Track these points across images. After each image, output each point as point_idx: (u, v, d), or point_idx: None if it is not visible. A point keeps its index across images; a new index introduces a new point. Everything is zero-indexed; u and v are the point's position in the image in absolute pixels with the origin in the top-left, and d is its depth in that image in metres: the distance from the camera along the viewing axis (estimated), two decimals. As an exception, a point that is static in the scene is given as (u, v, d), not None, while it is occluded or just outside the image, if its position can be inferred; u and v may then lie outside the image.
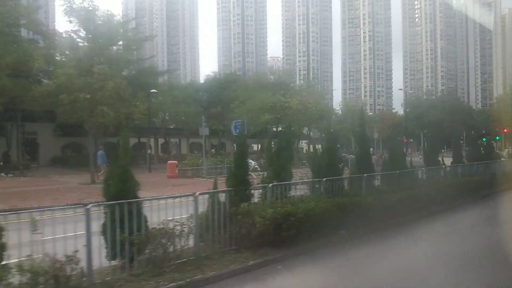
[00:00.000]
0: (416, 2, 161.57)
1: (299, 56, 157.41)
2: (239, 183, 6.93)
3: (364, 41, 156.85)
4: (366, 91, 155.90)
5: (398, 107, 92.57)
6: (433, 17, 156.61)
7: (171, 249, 5.62)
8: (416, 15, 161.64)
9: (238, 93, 34.33)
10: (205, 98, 33.81)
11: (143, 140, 36.44)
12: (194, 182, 18.78)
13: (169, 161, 23.84)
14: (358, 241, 7.66)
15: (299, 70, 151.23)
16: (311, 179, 8.95)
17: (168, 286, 5.04)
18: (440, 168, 12.78)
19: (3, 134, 28.02)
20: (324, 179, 8.26)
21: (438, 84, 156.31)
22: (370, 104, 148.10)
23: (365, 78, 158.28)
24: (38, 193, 15.35)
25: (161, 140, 39.35)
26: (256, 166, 20.02)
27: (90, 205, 5.02)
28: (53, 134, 31.98)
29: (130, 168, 5.67)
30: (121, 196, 5.35)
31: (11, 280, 4.27)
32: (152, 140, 36.08)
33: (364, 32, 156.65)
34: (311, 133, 28.99)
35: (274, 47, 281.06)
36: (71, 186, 17.82)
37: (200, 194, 6.24)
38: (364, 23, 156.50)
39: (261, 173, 17.85)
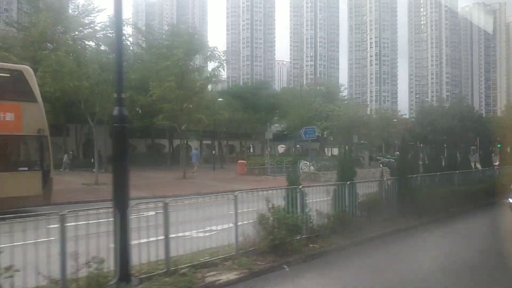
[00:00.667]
0: (422, 9, 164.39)
1: (306, 61, 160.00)
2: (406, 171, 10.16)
3: (371, 47, 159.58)
4: (372, 96, 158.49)
5: (403, 112, 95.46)
6: (438, 24, 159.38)
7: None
8: (422, 22, 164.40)
9: (277, 100, 37.97)
10: (238, 104, 36.65)
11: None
12: (266, 179, 21.80)
13: (239, 161, 27.15)
14: (464, 214, 11.31)
15: (306, 74, 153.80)
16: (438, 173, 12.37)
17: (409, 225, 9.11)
18: (491, 169, 15.71)
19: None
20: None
21: (443, 90, 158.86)
22: (375, 109, 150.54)
23: (371, 83, 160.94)
24: (159, 184, 18.60)
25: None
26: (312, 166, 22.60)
27: (237, 192, 6.81)
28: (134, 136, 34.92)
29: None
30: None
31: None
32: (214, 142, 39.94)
33: (371, 38, 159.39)
34: (356, 139, 32.15)
35: (282, 51, 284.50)
36: (171, 180, 20.91)
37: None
38: (371, 29, 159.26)
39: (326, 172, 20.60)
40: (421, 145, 52.93)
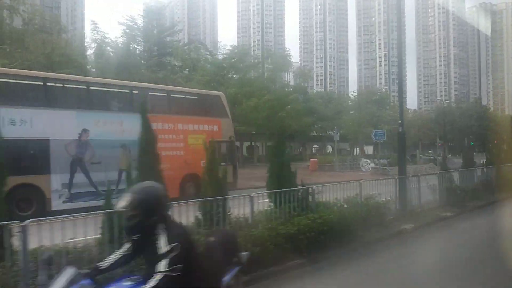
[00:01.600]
0: (429, 10, 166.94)
1: (316, 62, 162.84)
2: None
3: (379, 48, 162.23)
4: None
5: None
6: (446, 24, 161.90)
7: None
8: (430, 23, 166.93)
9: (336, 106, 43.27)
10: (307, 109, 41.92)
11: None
12: (339, 174, 24.81)
13: (311, 159, 30.74)
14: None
15: (316, 75, 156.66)
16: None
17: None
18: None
19: None
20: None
21: (451, 89, 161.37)
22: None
23: (380, 83, 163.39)
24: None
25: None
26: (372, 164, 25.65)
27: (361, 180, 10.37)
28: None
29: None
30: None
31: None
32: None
33: (380, 39, 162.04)
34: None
35: (292, 54, 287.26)
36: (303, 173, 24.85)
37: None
38: (379, 31, 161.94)
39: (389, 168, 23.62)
40: (441, 143, 55.76)
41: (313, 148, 58.05)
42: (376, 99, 54.49)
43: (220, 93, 17.79)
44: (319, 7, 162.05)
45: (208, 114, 15.89)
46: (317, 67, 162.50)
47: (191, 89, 18.92)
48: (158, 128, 11.39)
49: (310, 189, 7.42)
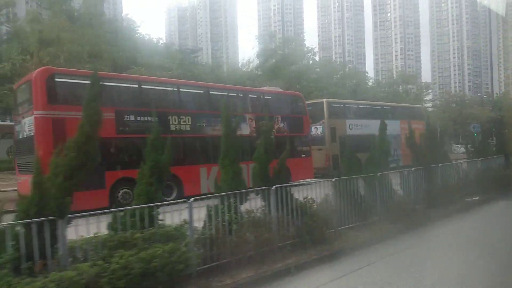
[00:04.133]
0: (443, 5, 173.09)
1: (335, 58, 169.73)
2: None
3: (396, 42, 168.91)
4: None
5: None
6: (459, 18, 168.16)
7: None
8: (443, 17, 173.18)
9: None
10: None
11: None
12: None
13: None
14: None
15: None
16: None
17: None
18: None
19: None
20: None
21: (465, 80, 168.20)
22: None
23: (396, 77, 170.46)
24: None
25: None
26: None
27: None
28: None
29: None
30: None
31: None
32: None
33: (396, 34, 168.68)
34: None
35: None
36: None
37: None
38: (395, 26, 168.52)
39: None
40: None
41: None
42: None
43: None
44: (337, 4, 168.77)
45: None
46: (335, 62, 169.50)
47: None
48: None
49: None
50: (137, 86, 14.63)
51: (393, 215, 8.73)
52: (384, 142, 10.02)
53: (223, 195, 6.33)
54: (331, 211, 7.71)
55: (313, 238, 6.94)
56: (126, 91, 14.26)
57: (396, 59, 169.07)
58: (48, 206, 4.76)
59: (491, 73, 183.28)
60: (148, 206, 5.51)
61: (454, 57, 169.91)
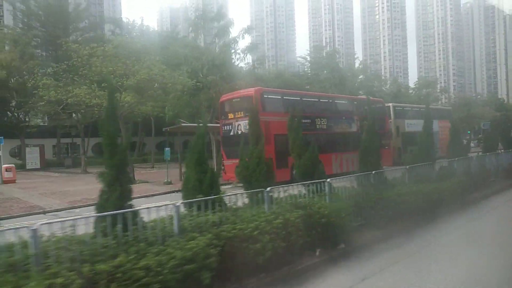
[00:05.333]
0: (428, 8, 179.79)
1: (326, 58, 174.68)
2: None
3: (384, 44, 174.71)
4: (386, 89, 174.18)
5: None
6: (444, 20, 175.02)
7: None
8: (429, 19, 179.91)
9: None
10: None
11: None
12: None
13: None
14: None
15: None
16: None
17: None
18: None
19: None
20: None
21: (450, 80, 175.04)
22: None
23: (385, 77, 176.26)
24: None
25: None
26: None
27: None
28: None
29: None
30: None
31: None
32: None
33: (384, 36, 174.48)
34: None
35: (303, 51, 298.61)
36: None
37: None
38: (383, 27, 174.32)
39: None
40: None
41: None
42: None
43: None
44: (327, 7, 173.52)
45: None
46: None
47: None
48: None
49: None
50: (299, 98, 21.57)
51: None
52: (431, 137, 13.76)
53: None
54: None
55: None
56: (293, 101, 20.21)
57: (384, 60, 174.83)
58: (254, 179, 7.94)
59: (474, 73, 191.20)
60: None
61: (439, 58, 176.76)
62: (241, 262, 5.15)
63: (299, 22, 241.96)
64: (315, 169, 9.13)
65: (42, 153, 35.00)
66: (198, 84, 28.87)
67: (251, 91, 18.84)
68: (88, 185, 18.94)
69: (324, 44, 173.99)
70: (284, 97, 20.39)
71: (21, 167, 32.18)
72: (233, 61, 35.08)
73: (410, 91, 70.57)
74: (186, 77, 28.04)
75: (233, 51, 34.53)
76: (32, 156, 33.76)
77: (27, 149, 34.76)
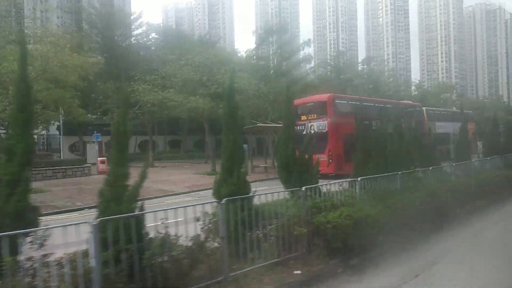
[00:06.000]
0: (431, 11, 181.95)
1: (330, 60, 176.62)
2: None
3: (387, 46, 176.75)
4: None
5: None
6: (447, 24, 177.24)
7: None
8: (432, 22, 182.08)
9: None
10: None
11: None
12: None
13: None
14: None
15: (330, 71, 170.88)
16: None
17: None
18: None
19: None
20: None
21: (452, 83, 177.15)
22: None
23: (388, 78, 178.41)
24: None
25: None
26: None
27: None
28: None
29: None
30: None
31: None
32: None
33: (387, 38, 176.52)
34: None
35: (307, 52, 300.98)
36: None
37: None
38: (387, 30, 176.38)
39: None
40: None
41: None
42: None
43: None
44: (332, 9, 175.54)
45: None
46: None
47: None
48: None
49: None
50: (359, 103, 23.87)
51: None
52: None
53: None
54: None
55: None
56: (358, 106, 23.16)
57: (387, 62, 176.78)
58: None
59: (476, 76, 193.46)
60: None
61: (442, 61, 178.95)
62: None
63: (303, 24, 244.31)
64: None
65: (100, 149, 36.44)
66: (270, 89, 30.96)
67: (324, 97, 21.95)
68: (180, 176, 23.07)
69: (328, 45, 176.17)
70: (350, 102, 23.40)
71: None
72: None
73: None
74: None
75: (302, 64, 38.00)
76: (92, 152, 35.25)
77: (88, 145, 36.88)
